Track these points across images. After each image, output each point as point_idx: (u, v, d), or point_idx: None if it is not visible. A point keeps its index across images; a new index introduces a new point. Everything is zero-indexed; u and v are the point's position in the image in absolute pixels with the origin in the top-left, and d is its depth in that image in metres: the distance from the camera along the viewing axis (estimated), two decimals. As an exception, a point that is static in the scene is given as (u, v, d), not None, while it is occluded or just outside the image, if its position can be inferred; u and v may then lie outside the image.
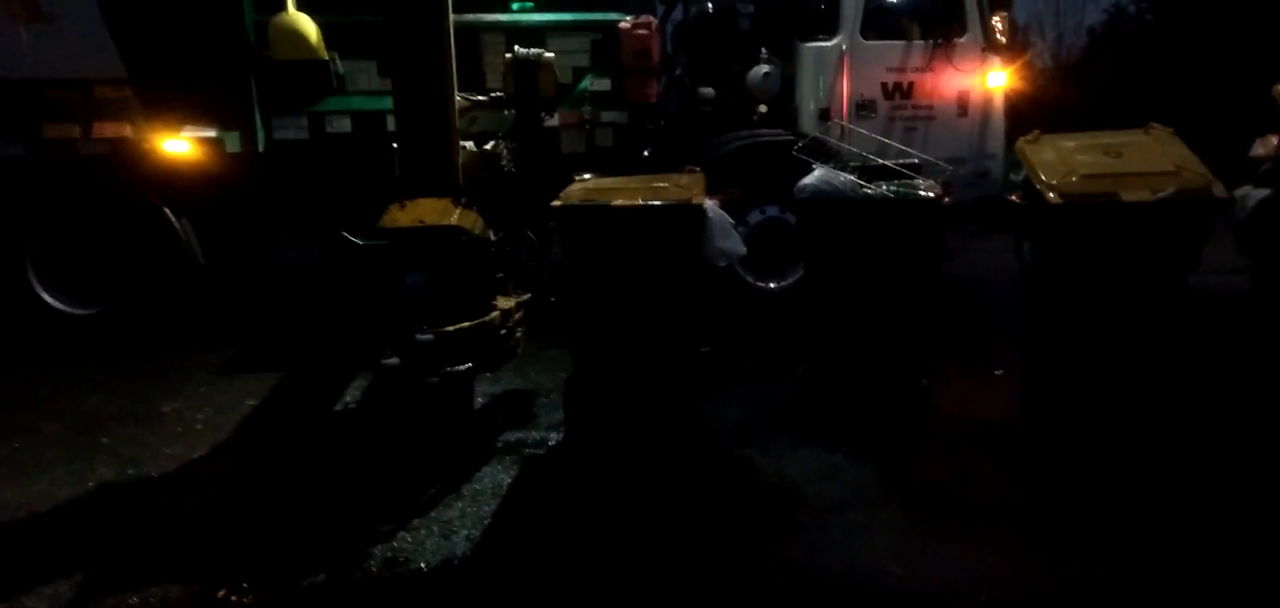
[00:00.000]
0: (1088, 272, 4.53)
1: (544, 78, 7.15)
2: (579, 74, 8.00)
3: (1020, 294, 4.93)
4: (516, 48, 7.31)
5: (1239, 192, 4.68)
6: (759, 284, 8.14)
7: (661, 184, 5.06)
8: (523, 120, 7.24)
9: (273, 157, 7.52)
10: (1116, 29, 18.30)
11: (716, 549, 3.93)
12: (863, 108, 8.23)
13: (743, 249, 5.12)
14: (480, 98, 7.29)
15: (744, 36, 8.40)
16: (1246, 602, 3.47)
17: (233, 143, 7.36)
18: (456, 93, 5.58)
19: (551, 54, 7.34)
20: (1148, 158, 4.58)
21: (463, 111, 6.85)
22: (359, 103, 7.63)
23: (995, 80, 8.25)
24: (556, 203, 4.92)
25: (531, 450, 5.10)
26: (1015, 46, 8.18)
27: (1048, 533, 3.97)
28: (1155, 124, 4.76)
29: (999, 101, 8.34)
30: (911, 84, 8.24)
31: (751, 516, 4.26)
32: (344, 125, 7.61)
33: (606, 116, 8.07)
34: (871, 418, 5.17)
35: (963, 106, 8.29)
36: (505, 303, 5.48)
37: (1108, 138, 4.77)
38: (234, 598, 3.65)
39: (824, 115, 8.20)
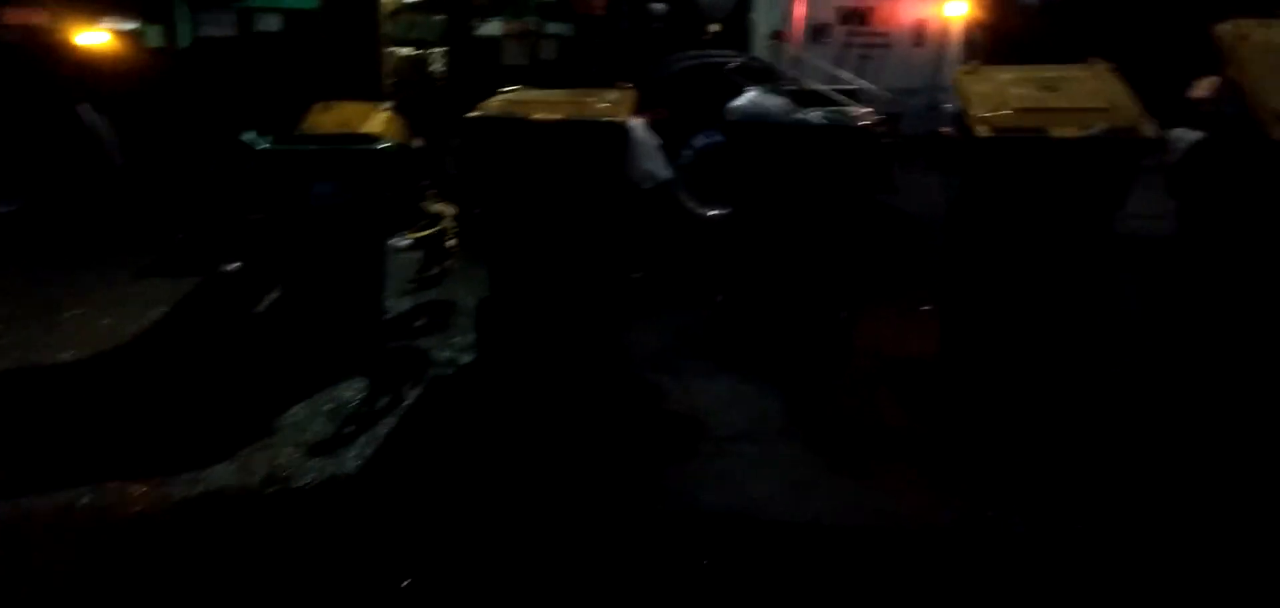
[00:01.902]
0: (1013, 207, 4.41)
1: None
2: (527, -18, 7.70)
3: (944, 228, 4.81)
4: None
5: (1173, 133, 4.55)
6: (702, 211, 7.96)
7: (587, 100, 4.84)
8: (453, 26, 6.95)
9: (198, 54, 7.19)
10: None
11: (607, 480, 3.84)
12: (818, 32, 7.99)
13: (667, 172, 4.93)
14: (411, 0, 6.99)
15: (699, -48, 8.12)
16: (1125, 536, 3.42)
17: (154, 36, 7.03)
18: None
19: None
20: (1083, 93, 4.44)
21: (394, 14, 6.58)
22: (291, 0, 7.28)
23: (954, 10, 8.03)
24: (473, 114, 4.70)
25: (439, 371, 4.96)
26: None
27: (943, 470, 3.91)
28: (1095, 58, 4.60)
29: (956, 32, 8.12)
30: (868, 10, 8.01)
31: (651, 444, 4.17)
32: (274, 23, 7.27)
33: (552, 28, 7.79)
34: (787, 349, 5.07)
35: (918, 36, 8.07)
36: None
37: (1047, 71, 4.62)
38: (92, 505, 3.52)
39: (778, 38, 7.95)
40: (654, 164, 4.88)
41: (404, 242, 5.97)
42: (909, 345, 5.29)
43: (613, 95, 4.84)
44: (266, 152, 4.80)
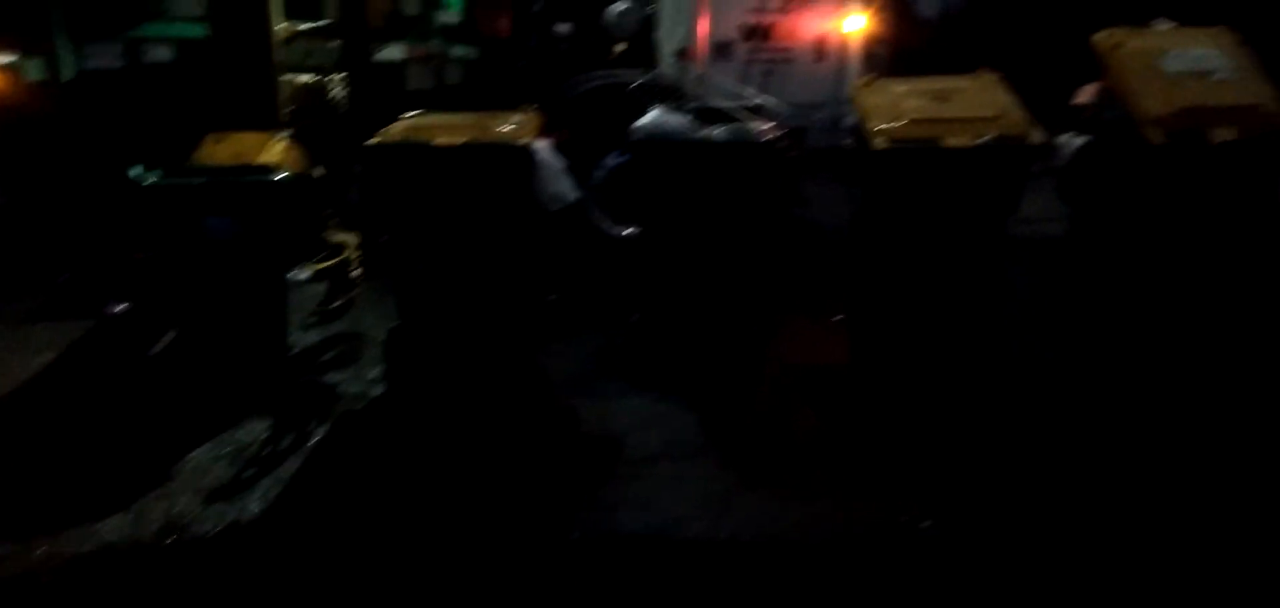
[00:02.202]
0: (912, 215, 4.53)
1: (370, 7, 6.74)
2: (427, 5, 7.60)
3: (849, 239, 4.91)
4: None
5: (1059, 139, 4.75)
6: (616, 230, 7.95)
7: (491, 123, 4.78)
8: (351, 52, 6.81)
9: (82, 87, 6.86)
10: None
11: (522, 509, 3.77)
12: (721, 50, 8.10)
13: (576, 193, 4.93)
14: (306, 25, 6.82)
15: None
16: (1032, 538, 3.53)
17: (34, 70, 6.69)
18: (283, 20, 5.19)
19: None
20: (973, 103, 4.58)
21: (289, 41, 6.41)
22: (182, 29, 7.02)
23: (852, 25, 8.24)
24: (374, 141, 4.59)
25: (348, 405, 4.82)
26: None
27: (858, 477, 3.97)
28: (985, 69, 4.77)
29: (856, 47, 8.34)
30: (770, 27, 8.16)
31: (567, 470, 4.12)
32: (163, 54, 7.00)
33: (456, 51, 7.71)
34: (703, 366, 5.08)
35: (820, 51, 8.26)
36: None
37: (939, 83, 4.76)
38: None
39: (682, 56, 8.03)
40: (561, 186, 4.86)
41: (305, 274, 5.79)
42: (822, 355, 5.35)
43: (517, 118, 4.79)
44: (155, 187, 4.60)
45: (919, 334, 4.66)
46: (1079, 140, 4.68)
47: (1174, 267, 4.29)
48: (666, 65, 7.99)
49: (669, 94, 5.34)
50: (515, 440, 4.41)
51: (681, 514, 3.68)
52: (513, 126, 4.70)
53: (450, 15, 7.59)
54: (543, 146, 4.69)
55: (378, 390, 4.96)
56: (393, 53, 7.63)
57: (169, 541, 3.55)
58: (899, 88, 4.75)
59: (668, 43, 8.13)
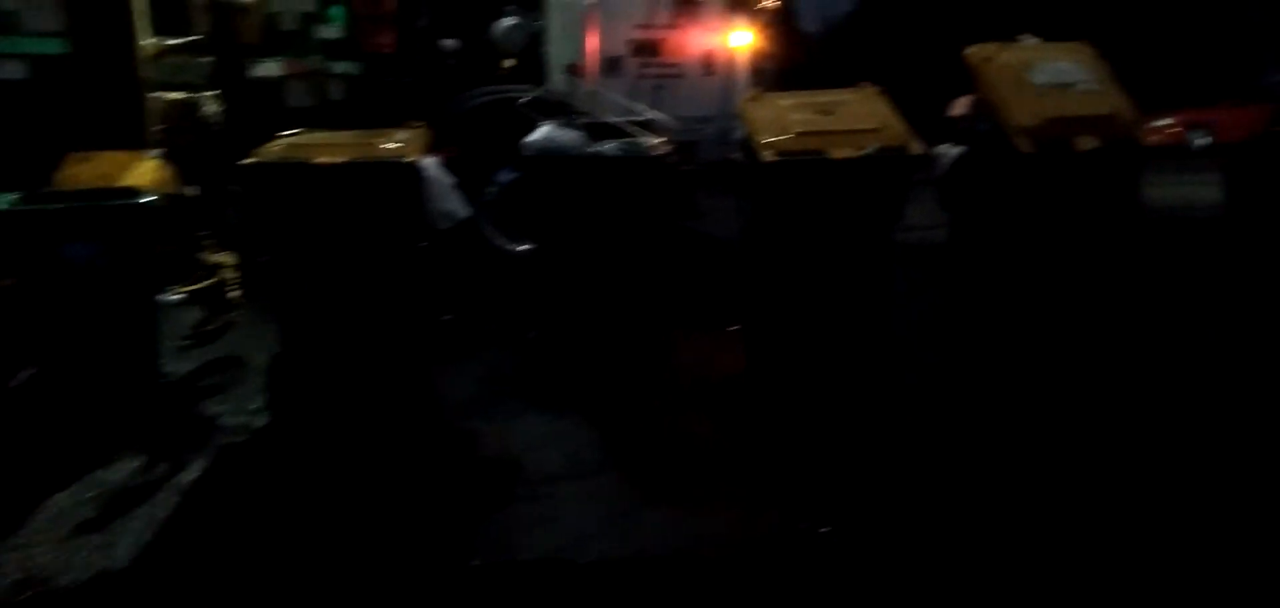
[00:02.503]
0: (800, 225, 4.61)
1: (243, 22, 6.48)
2: (307, 19, 7.34)
3: (740, 250, 4.97)
4: (213, -8, 6.62)
5: (937, 149, 4.93)
6: (511, 246, 7.86)
7: (375, 140, 4.64)
8: (224, 68, 6.52)
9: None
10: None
11: (417, 540, 3.64)
12: (612, 65, 8.12)
13: (466, 211, 4.82)
14: (176, 41, 6.49)
15: (490, -14, 8.07)
16: (928, 541, 3.62)
17: None
18: (150, 35, 4.92)
19: (249, -1, 6.71)
20: (856, 116, 4.72)
21: (157, 56, 6.09)
22: (37, 45, 6.56)
23: (739, 39, 8.39)
24: (249, 160, 4.39)
25: (228, 437, 4.58)
26: (767, 6, 8.34)
27: (757, 486, 4.00)
28: (865, 83, 4.91)
29: (743, 61, 8.49)
30: (659, 42, 8.23)
31: (464, 496, 4.00)
32: (18, 71, 6.52)
33: (339, 67, 7.46)
34: (601, 381, 5.06)
35: (708, 66, 8.37)
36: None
37: (822, 96, 4.88)
38: None
39: (573, 71, 8.02)
40: (451, 203, 4.75)
41: (176, 296, 5.50)
42: (719, 366, 5.41)
43: (403, 135, 4.66)
44: (8, 212, 4.28)
45: (811, 342, 4.75)
46: (956, 150, 4.88)
47: (1046, 267, 4.51)
48: (556, 81, 7.96)
49: (559, 109, 5.30)
50: (409, 468, 4.27)
51: (583, 534, 3.62)
52: (398, 144, 4.56)
53: (332, 30, 7.33)
54: (430, 163, 4.58)
55: (261, 420, 4.73)
56: (271, 69, 7.33)
57: (24, 596, 3.27)
58: (785, 102, 4.85)
59: (557, 58, 8.10)
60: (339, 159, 4.41)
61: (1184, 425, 4.29)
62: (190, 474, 4.18)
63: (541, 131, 4.93)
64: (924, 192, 5.09)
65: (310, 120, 6.36)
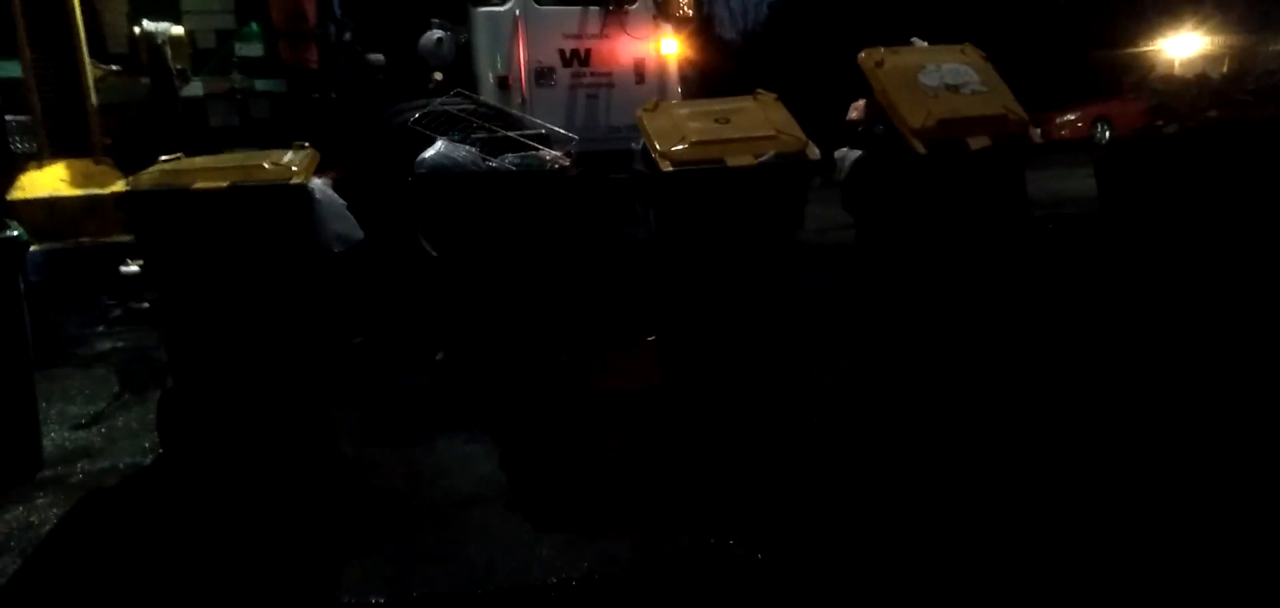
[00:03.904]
0: (701, 235, 4.53)
1: (172, 51, 6.44)
2: (224, 36, 7.21)
3: (648, 262, 4.89)
4: (144, 23, 6.52)
5: (837, 153, 4.88)
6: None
7: (259, 163, 4.51)
8: (157, 93, 6.47)
9: None
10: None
11: (309, 583, 3.51)
12: (542, 75, 8.03)
13: (360, 233, 4.70)
14: (113, 67, 6.45)
15: (415, -1, 7.95)
16: (851, 555, 3.54)
17: None
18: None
19: (179, 30, 6.60)
20: (753, 123, 4.64)
21: (99, 80, 6.08)
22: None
23: (668, 48, 8.31)
24: (121, 187, 4.26)
25: (105, 480, 4.44)
26: (687, 15, 8.27)
27: (669, 503, 3.92)
28: (762, 90, 4.85)
29: (673, 70, 8.42)
30: (588, 51, 8.14)
31: (363, 530, 3.87)
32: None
33: (262, 85, 7.34)
34: (512, 401, 4.96)
35: (640, 74, 8.29)
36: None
37: (719, 105, 4.81)
38: None
39: (503, 83, 7.92)
40: (344, 225, 4.63)
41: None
42: (634, 379, 5.33)
43: (289, 156, 4.52)
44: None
45: (720, 351, 4.67)
46: (855, 153, 4.82)
47: (943, 263, 4.48)
48: (487, 93, 7.85)
49: (455, 124, 5.20)
50: (306, 504, 4.15)
51: (491, 562, 3.51)
52: (283, 165, 4.44)
53: (250, 48, 7.20)
54: (319, 185, 4.45)
55: (149, 460, 4.59)
56: (194, 89, 7.22)
57: None
58: (682, 111, 4.78)
59: (487, 71, 7.99)
60: (220, 184, 4.28)
61: (1078, 416, 4.26)
62: (56, 523, 4.03)
63: (434, 149, 4.82)
64: (830, 194, 5.04)
65: (234, 141, 6.27)
